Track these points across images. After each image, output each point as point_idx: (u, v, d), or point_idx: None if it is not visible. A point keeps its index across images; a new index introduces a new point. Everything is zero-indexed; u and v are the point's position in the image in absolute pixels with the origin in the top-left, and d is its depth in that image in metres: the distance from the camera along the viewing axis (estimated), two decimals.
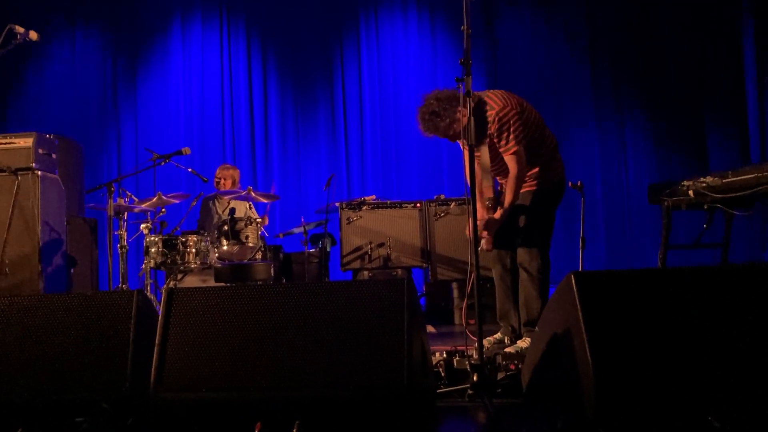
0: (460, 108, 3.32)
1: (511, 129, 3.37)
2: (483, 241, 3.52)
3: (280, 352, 1.95)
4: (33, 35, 3.58)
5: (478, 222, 3.36)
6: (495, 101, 3.42)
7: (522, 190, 3.58)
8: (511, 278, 3.72)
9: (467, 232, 3.58)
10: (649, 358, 1.97)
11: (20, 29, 3.51)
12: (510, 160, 3.43)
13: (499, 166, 3.58)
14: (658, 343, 2.00)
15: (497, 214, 3.51)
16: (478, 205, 3.40)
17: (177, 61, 9.03)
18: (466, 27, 2.74)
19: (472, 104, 3.18)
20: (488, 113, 3.41)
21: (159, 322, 2.00)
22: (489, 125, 3.40)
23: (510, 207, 3.48)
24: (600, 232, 8.47)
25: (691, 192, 4.40)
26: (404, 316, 1.90)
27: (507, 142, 3.39)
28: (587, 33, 8.80)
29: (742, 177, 4.05)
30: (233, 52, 9.12)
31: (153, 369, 1.95)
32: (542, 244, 3.65)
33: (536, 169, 3.60)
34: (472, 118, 2.84)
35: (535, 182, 3.62)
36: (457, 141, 3.55)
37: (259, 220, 5.61)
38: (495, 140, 3.43)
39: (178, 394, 1.93)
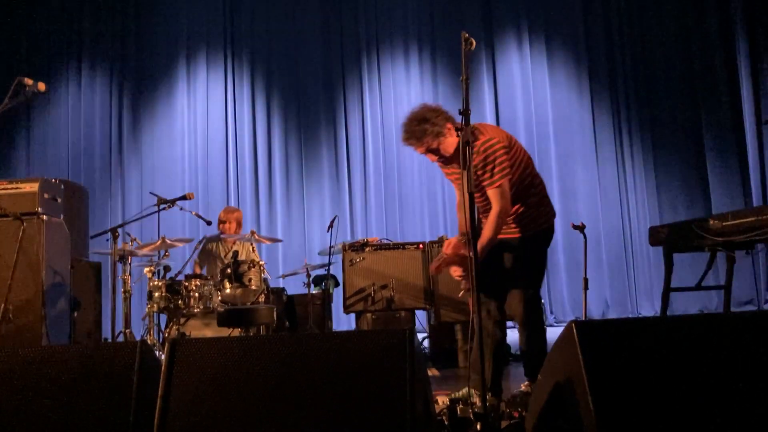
0: (449, 124, 3.24)
1: (497, 161, 3.19)
2: (462, 282, 3.32)
3: (282, 405, 1.95)
4: (41, 86, 3.64)
5: (446, 257, 3.27)
6: (480, 134, 3.26)
7: (513, 236, 3.41)
8: (492, 325, 3.41)
9: (432, 269, 3.51)
10: (652, 408, 1.97)
11: (29, 81, 3.57)
12: (493, 195, 3.23)
13: (483, 203, 3.35)
14: (661, 392, 1.99)
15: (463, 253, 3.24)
16: (454, 240, 3.31)
17: (182, 105, 9.17)
18: (464, 77, 2.71)
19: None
20: (474, 144, 3.20)
21: (162, 374, 2.00)
22: (473, 156, 3.14)
23: (488, 245, 3.19)
24: (603, 273, 8.47)
25: (691, 235, 4.41)
26: (406, 369, 1.90)
27: (491, 176, 3.21)
28: (588, 75, 8.93)
29: (742, 220, 4.07)
30: (237, 95, 9.26)
31: (155, 422, 1.95)
32: (535, 292, 3.43)
33: (524, 209, 3.44)
34: (471, 165, 2.70)
35: (524, 226, 3.46)
36: (439, 162, 3.42)
37: (262, 263, 5.63)
38: (479, 172, 3.24)
39: None
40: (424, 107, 3.34)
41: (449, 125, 3.25)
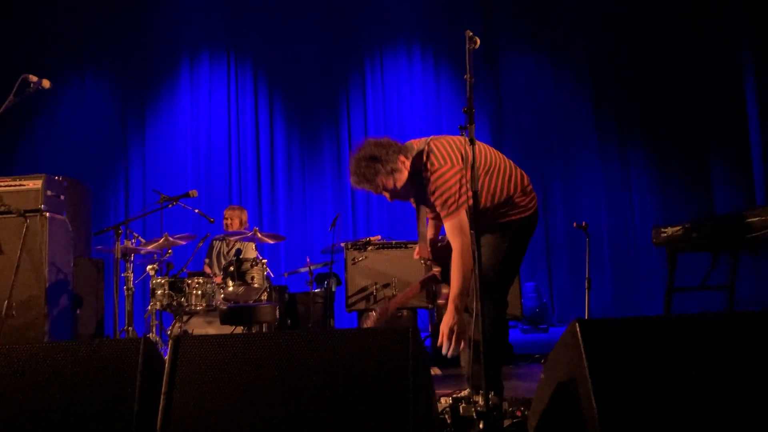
0: (401, 157, 2.93)
1: (451, 191, 2.84)
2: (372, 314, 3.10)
3: (285, 402, 1.95)
4: (46, 83, 3.64)
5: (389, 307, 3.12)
6: (434, 159, 2.90)
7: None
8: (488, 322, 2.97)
9: (415, 254, 3.29)
10: (655, 407, 1.97)
11: (34, 78, 3.58)
12: (450, 229, 2.88)
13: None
14: (664, 392, 1.99)
15: (448, 316, 2.91)
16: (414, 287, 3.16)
17: (185, 103, 9.17)
18: (468, 76, 2.65)
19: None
20: (425, 174, 2.92)
21: (165, 371, 2.01)
22: (429, 183, 2.90)
23: (463, 290, 2.88)
24: (606, 273, 8.47)
25: (695, 234, 4.40)
26: (409, 367, 1.90)
27: (443, 207, 2.86)
28: (591, 74, 8.93)
29: (747, 220, 4.07)
30: (240, 93, 9.27)
31: (159, 418, 1.95)
32: (496, 288, 3.07)
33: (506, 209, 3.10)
34: (474, 162, 2.58)
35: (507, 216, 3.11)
36: (396, 200, 3.09)
37: (264, 261, 5.63)
38: (436, 201, 2.91)
39: None
40: (369, 144, 2.96)
41: (401, 158, 2.93)
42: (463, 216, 2.86)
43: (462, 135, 2.79)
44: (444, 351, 2.84)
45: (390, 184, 2.94)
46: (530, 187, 3.16)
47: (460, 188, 2.84)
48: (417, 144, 3.05)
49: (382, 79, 9.19)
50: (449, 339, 2.84)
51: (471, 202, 2.67)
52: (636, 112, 8.80)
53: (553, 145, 8.80)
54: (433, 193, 2.89)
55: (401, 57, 9.20)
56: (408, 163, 2.95)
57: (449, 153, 2.92)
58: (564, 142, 8.81)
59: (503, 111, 9.01)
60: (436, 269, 3.21)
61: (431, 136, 3.09)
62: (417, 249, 3.26)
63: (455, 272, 2.88)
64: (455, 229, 2.86)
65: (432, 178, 2.88)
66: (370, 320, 3.09)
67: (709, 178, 8.39)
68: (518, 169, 3.14)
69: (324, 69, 9.23)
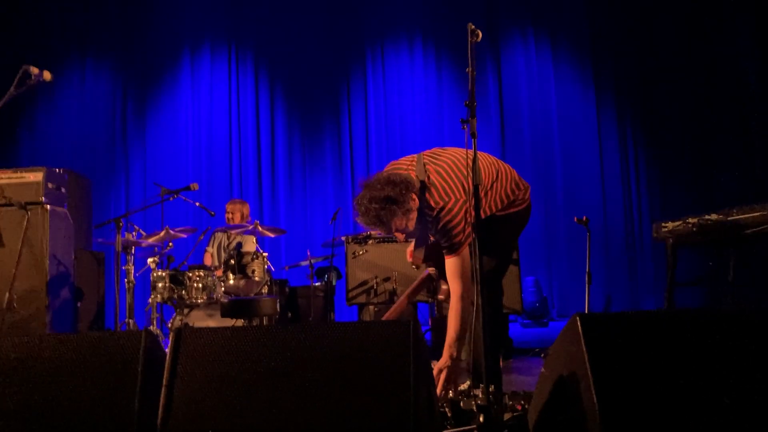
0: (413, 195, 2.79)
1: (457, 229, 2.78)
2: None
3: (286, 394, 1.95)
4: (47, 75, 3.64)
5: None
6: (437, 196, 2.83)
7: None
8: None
9: (408, 257, 3.28)
10: (655, 401, 1.97)
11: (35, 70, 3.58)
12: (452, 270, 2.83)
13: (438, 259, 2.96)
14: (665, 386, 1.99)
15: (444, 360, 2.90)
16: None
17: (186, 96, 9.16)
18: (471, 69, 2.63)
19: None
20: (427, 211, 2.85)
21: (166, 364, 2.01)
22: (434, 221, 2.84)
23: (459, 339, 2.87)
24: (606, 267, 8.46)
25: (696, 229, 4.40)
26: (410, 360, 1.90)
27: (449, 242, 2.81)
28: (593, 67, 8.89)
29: (748, 215, 4.07)
30: (241, 87, 9.26)
31: (160, 411, 1.96)
32: (495, 278, 3.09)
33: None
34: (477, 157, 2.50)
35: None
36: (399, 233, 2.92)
37: (264, 254, 5.64)
38: (437, 235, 2.89)
39: None
40: (381, 182, 2.77)
41: (413, 195, 2.79)
42: (465, 255, 2.81)
43: (463, 148, 2.73)
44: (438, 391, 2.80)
45: (403, 224, 2.80)
46: (523, 181, 3.18)
47: (465, 224, 2.78)
48: (413, 171, 2.93)
49: (384, 72, 9.17)
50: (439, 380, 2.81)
51: (473, 237, 2.63)
52: (637, 105, 8.78)
53: (555, 138, 8.79)
54: (439, 230, 2.83)
55: (403, 50, 9.17)
56: (417, 200, 2.83)
57: (450, 183, 2.85)
58: (565, 136, 8.79)
59: (504, 103, 8.99)
60: (430, 270, 3.20)
61: (427, 158, 3.00)
62: (409, 252, 3.23)
63: (452, 318, 2.85)
64: (457, 271, 2.82)
65: (438, 216, 2.81)
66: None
67: (711, 172, 8.35)
68: (511, 169, 3.14)
69: (325, 62, 9.21)
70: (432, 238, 3.13)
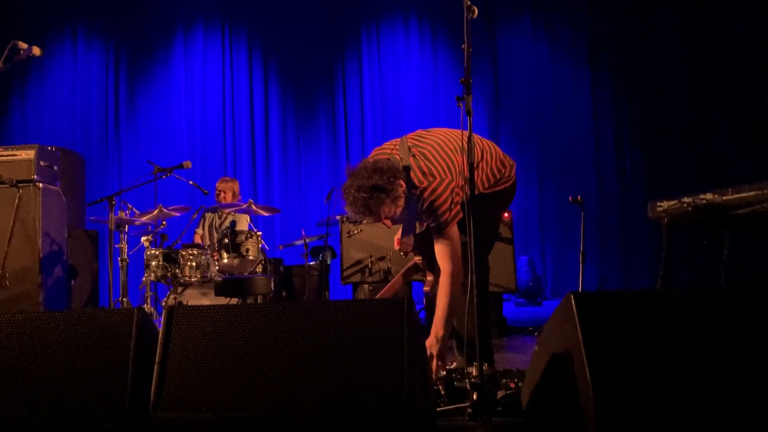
0: (401, 182, 2.75)
1: (443, 208, 2.76)
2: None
3: (280, 373, 1.95)
4: (36, 51, 3.59)
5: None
6: (421, 177, 2.81)
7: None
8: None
9: (396, 245, 3.36)
10: (649, 380, 1.97)
11: (24, 45, 3.53)
12: (441, 251, 2.82)
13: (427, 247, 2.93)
14: (658, 365, 1.99)
15: (431, 339, 2.83)
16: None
17: (179, 74, 9.08)
18: (466, 46, 2.61)
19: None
20: (414, 191, 2.82)
21: (159, 341, 2.00)
22: (419, 202, 2.83)
23: (449, 318, 2.81)
24: (600, 247, 8.48)
25: (690, 208, 4.39)
26: (404, 338, 1.90)
27: (436, 222, 2.79)
28: (589, 46, 8.84)
29: (743, 194, 4.06)
30: (235, 65, 9.18)
31: (153, 388, 1.95)
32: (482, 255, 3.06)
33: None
34: (472, 135, 2.52)
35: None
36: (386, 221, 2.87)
37: (258, 233, 5.62)
38: (423, 216, 2.88)
39: (177, 413, 1.93)
40: (368, 170, 2.72)
41: (401, 182, 2.76)
42: (454, 234, 2.81)
43: (448, 128, 2.85)
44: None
45: (392, 212, 2.77)
46: (508, 159, 3.17)
47: (451, 204, 2.78)
48: (398, 154, 2.92)
49: (379, 50, 9.11)
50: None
51: (461, 216, 2.73)
52: (632, 83, 8.75)
53: (549, 117, 8.76)
54: (425, 210, 2.82)
55: (398, 28, 9.10)
56: (404, 186, 2.79)
57: (435, 164, 2.83)
58: (560, 114, 8.76)
59: (499, 83, 8.95)
60: (416, 258, 3.20)
61: (411, 140, 2.98)
62: (396, 240, 3.21)
63: (442, 298, 2.82)
64: (447, 251, 2.81)
65: (423, 196, 2.80)
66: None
67: (707, 152, 8.34)
68: (496, 147, 3.13)
69: (320, 40, 9.14)
70: (419, 228, 3.11)
